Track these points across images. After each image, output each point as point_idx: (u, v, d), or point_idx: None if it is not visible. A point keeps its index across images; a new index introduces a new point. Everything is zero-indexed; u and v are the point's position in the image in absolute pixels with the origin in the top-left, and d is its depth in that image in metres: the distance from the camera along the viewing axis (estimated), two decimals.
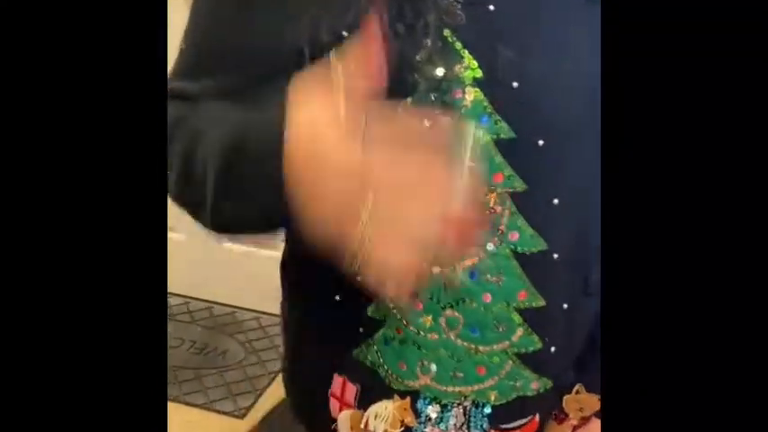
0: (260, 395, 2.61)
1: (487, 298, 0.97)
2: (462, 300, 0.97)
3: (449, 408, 1.03)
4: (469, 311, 0.97)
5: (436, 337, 0.98)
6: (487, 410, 1.04)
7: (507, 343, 0.99)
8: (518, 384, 1.03)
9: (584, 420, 1.09)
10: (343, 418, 1.07)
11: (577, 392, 1.08)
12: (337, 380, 1.07)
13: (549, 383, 1.05)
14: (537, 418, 1.08)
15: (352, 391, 1.06)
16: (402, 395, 1.03)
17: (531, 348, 1.00)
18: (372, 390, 1.04)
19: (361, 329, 1.02)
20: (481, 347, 0.99)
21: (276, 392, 2.48)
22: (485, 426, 1.04)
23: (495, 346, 0.99)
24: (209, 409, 2.50)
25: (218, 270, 2.97)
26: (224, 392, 2.62)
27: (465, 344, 0.99)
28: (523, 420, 1.07)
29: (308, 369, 1.13)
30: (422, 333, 0.99)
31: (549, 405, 1.08)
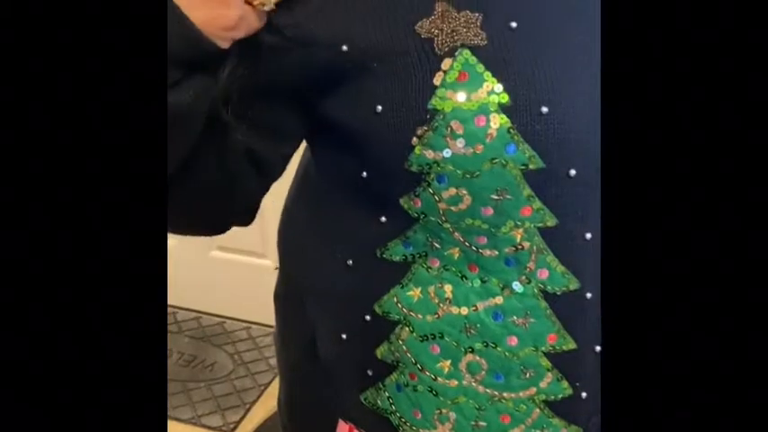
0: (249, 409, 2.58)
1: (513, 341, 0.90)
2: (485, 343, 0.91)
3: None
4: (493, 356, 0.91)
5: (456, 383, 0.93)
6: None
7: (534, 389, 0.93)
8: None
9: None
10: None
11: None
12: (343, 427, 1.02)
13: (579, 431, 0.98)
14: None
15: None
16: None
17: (560, 395, 0.94)
18: None
19: (369, 372, 0.97)
20: (506, 394, 0.93)
21: (266, 405, 2.47)
22: None
23: (521, 393, 0.93)
24: (196, 425, 2.47)
25: (206, 279, 2.95)
26: (212, 406, 2.59)
27: (488, 391, 0.93)
28: None
29: (310, 412, 1.08)
30: (440, 379, 0.93)
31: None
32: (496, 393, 0.92)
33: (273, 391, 2.66)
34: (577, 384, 0.93)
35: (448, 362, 0.92)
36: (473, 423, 0.93)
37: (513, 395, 0.92)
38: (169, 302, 2.93)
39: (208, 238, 3.00)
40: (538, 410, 0.94)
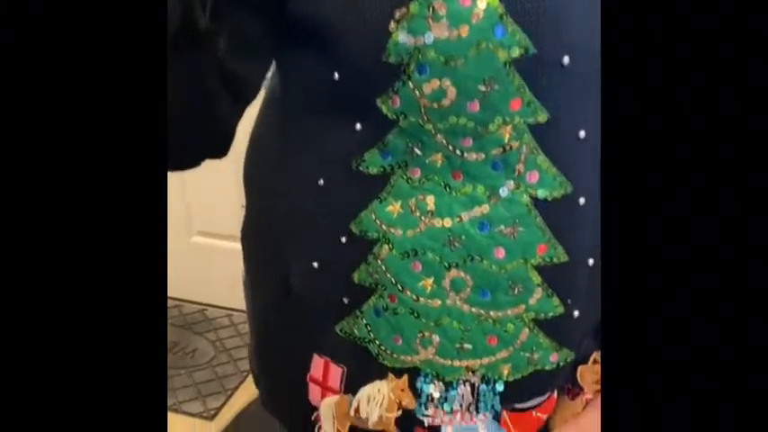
0: (230, 395, 2.57)
1: (500, 253, 0.83)
2: (470, 257, 0.84)
3: (454, 386, 0.89)
4: (479, 271, 0.84)
5: (439, 303, 0.85)
6: (499, 388, 0.90)
7: (523, 307, 0.86)
8: (535, 356, 0.89)
9: (599, 393, 0.94)
10: (327, 405, 0.93)
11: (595, 362, 0.94)
12: (318, 362, 0.94)
13: (571, 355, 0.92)
14: (555, 395, 0.96)
15: (336, 373, 0.93)
16: (398, 374, 0.90)
17: (550, 313, 0.87)
18: (362, 370, 0.92)
19: (345, 300, 0.90)
20: (492, 313, 0.86)
21: (248, 391, 2.46)
22: (496, 406, 0.91)
23: (509, 312, 0.86)
24: (176, 411, 2.47)
25: (187, 266, 2.94)
26: (192, 393, 2.58)
27: (473, 310, 0.86)
28: (540, 399, 0.95)
29: (282, 353, 1.00)
30: (422, 299, 0.86)
31: (568, 378, 0.95)
32: (482, 312, 0.86)
33: None
34: (569, 301, 0.87)
35: (430, 280, 0.85)
36: (458, 346, 0.87)
37: (500, 314, 0.86)
38: None
39: (187, 224, 2.97)
40: (527, 330, 0.87)
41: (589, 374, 0.93)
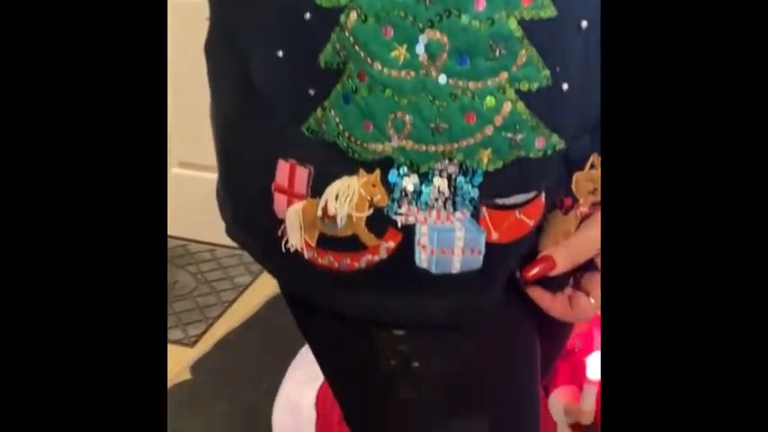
0: (211, 324, 2.58)
1: (481, 5, 0.73)
2: (447, 12, 0.73)
3: (429, 177, 0.79)
4: (457, 29, 0.73)
5: (413, 75, 0.75)
6: (478, 179, 0.79)
7: (505, 75, 0.75)
8: (518, 138, 0.78)
9: (595, 207, 0.84)
10: (293, 212, 0.84)
11: (592, 166, 0.82)
12: (283, 167, 0.84)
13: (560, 143, 0.80)
14: (543, 198, 0.84)
15: (303, 176, 0.83)
16: (369, 168, 0.80)
17: (536, 83, 0.76)
18: (330, 168, 0.81)
19: (311, 92, 0.80)
20: (471, 84, 0.76)
21: (230, 321, 2.46)
22: (474, 200, 0.80)
23: (489, 81, 0.75)
24: None
25: (168, 201, 2.90)
26: (173, 321, 2.58)
27: (450, 81, 0.76)
28: (525, 197, 0.82)
29: (246, 165, 0.90)
30: (393, 72, 0.75)
31: (557, 179, 0.84)
32: (460, 83, 0.76)
33: (238, 307, 2.66)
34: (557, 69, 0.76)
35: (403, 48, 0.75)
36: (433, 126, 0.77)
37: (479, 84, 0.75)
38: None
39: (167, 154, 2.95)
40: (509, 104, 0.77)
41: (585, 182, 0.82)
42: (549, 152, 0.79)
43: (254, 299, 2.67)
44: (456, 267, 0.81)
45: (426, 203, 0.79)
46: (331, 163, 0.80)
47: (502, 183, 0.80)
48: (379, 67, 0.75)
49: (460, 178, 0.78)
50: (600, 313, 0.82)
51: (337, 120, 0.79)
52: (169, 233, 2.91)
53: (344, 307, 0.87)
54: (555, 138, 0.79)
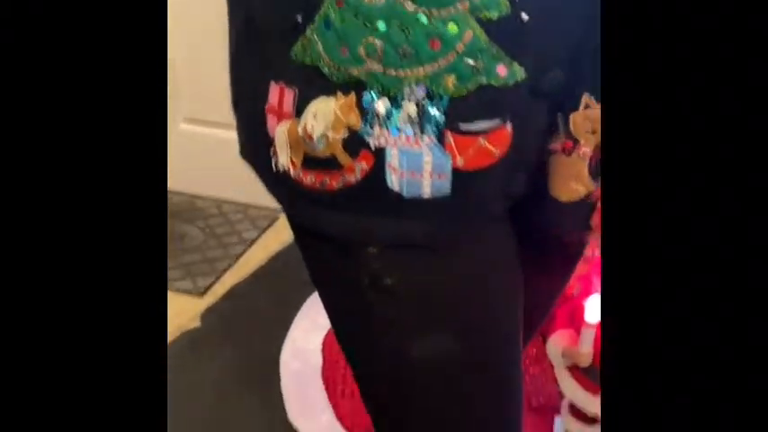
0: (220, 276, 2.59)
1: None
2: None
3: (399, 102, 0.83)
4: None
5: (383, 0, 0.79)
6: (444, 104, 0.83)
7: (467, 3, 0.78)
8: (480, 65, 0.80)
9: (598, 150, 0.85)
10: (281, 132, 0.89)
11: (587, 107, 0.84)
12: (274, 89, 0.89)
13: (521, 73, 0.82)
14: (509, 127, 0.85)
15: (290, 96, 0.87)
16: (346, 91, 0.84)
17: (494, 12, 0.78)
18: (312, 90, 0.86)
19: (299, 18, 0.84)
20: (435, 11, 0.79)
21: (238, 273, 2.47)
22: (440, 124, 0.84)
23: (452, 9, 0.78)
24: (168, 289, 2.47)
25: (175, 155, 2.90)
26: (182, 273, 2.59)
27: (417, 7, 0.79)
28: (488, 123, 0.84)
29: (247, 89, 0.96)
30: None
31: (525, 111, 0.85)
32: (425, 10, 0.79)
33: (246, 261, 2.67)
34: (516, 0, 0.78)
35: None
36: (400, 51, 0.80)
37: (443, 12, 0.79)
38: None
39: (173, 110, 2.93)
40: (471, 32, 0.79)
41: (582, 121, 0.84)
42: (512, 82, 0.81)
43: (260, 253, 2.68)
44: (426, 192, 0.85)
45: (396, 127, 0.83)
46: (313, 85, 0.84)
47: (466, 109, 0.82)
48: None
49: (427, 102, 0.82)
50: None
51: (319, 44, 0.83)
52: (177, 189, 2.93)
53: (325, 226, 0.92)
54: (516, 67, 0.80)
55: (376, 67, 0.82)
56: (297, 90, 0.86)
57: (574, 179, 0.88)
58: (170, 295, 2.39)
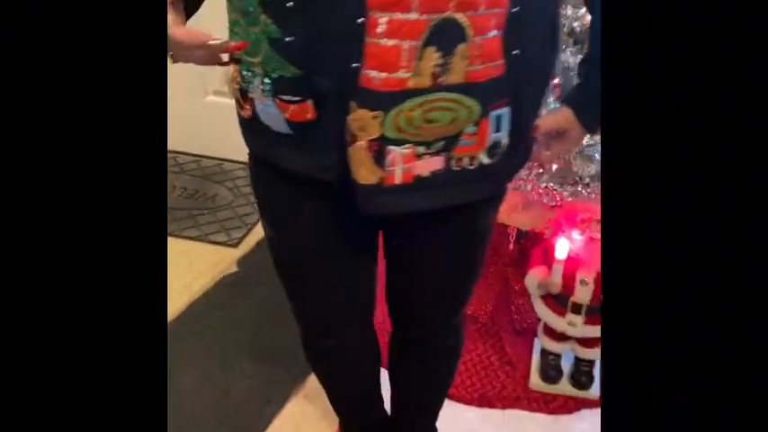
0: (251, 228, 2.57)
1: None
2: None
3: (256, 75, 1.01)
4: None
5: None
6: (269, 82, 1.00)
7: (260, 27, 0.96)
8: (276, 66, 0.97)
9: (373, 144, 0.97)
10: (225, 72, 1.10)
11: (354, 111, 0.94)
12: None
13: (296, 71, 0.97)
14: (310, 103, 0.98)
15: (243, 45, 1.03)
16: (237, 63, 1.05)
17: (276, 36, 0.94)
18: (233, 59, 1.06)
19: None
20: (251, 28, 0.97)
21: None
22: (270, 92, 1.01)
23: (256, 28, 0.96)
24: (202, 241, 2.48)
25: (203, 124, 2.85)
26: (216, 227, 2.57)
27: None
28: (295, 98, 0.99)
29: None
30: None
31: (316, 96, 0.98)
32: (252, 28, 0.97)
33: None
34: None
35: None
36: (251, 48, 0.99)
37: (250, 30, 0.97)
38: (170, 148, 2.87)
39: (202, 84, 2.84)
40: (264, 46, 0.97)
41: (352, 122, 0.94)
42: (295, 76, 0.96)
43: None
44: (280, 128, 1.02)
45: (256, 89, 1.02)
46: (233, 57, 1.04)
47: (281, 87, 0.98)
48: None
49: (265, 80, 0.99)
50: None
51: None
52: (207, 154, 2.95)
53: (249, 146, 1.14)
54: (294, 69, 0.95)
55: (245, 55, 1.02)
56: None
57: (361, 165, 0.97)
58: (209, 247, 2.43)
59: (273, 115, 1.02)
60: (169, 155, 2.88)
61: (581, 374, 1.74)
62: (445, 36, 0.87)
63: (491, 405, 1.75)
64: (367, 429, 1.64)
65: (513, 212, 1.67)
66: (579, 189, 1.57)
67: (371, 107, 0.91)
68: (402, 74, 0.88)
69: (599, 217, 1.54)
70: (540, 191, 1.58)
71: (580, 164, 1.52)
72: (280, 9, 0.92)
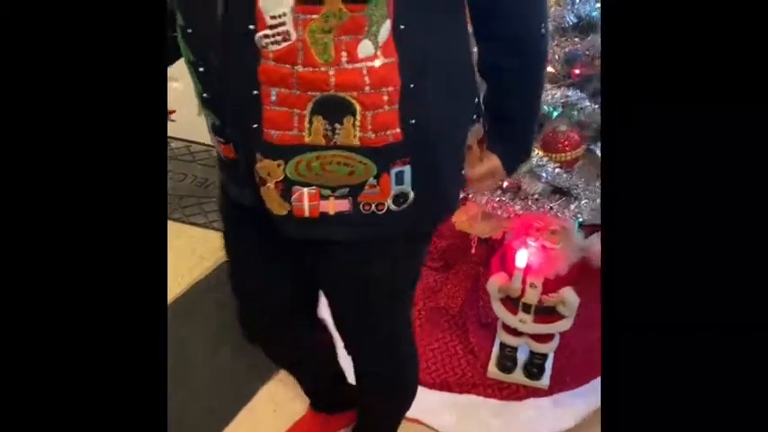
0: None
1: None
2: None
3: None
4: None
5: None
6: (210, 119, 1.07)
7: (187, 58, 1.02)
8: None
9: (280, 184, 1.04)
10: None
11: (260, 160, 1.03)
12: None
13: (216, 120, 1.05)
14: (232, 146, 1.06)
15: None
16: None
17: (199, 68, 1.01)
18: None
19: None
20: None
21: None
22: (212, 131, 1.08)
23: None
24: (208, 228, 2.50)
25: None
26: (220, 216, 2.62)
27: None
28: (221, 140, 1.07)
29: None
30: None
31: (225, 137, 1.07)
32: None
33: None
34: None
35: None
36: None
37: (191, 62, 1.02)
38: (183, 137, 2.90)
39: None
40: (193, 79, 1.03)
41: (259, 168, 1.04)
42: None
43: None
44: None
45: None
46: None
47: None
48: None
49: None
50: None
51: None
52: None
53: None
54: (206, 110, 1.09)
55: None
56: None
57: (272, 201, 1.04)
58: (212, 233, 2.46)
59: (217, 149, 1.10)
60: (182, 144, 2.88)
61: (533, 366, 1.87)
62: (330, 109, 0.93)
63: (450, 389, 1.87)
64: (335, 408, 1.70)
65: (473, 222, 1.77)
66: (529, 204, 1.62)
67: (274, 158, 0.98)
68: (297, 132, 0.95)
69: (552, 227, 1.65)
70: (495, 204, 1.64)
71: (529, 182, 1.59)
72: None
